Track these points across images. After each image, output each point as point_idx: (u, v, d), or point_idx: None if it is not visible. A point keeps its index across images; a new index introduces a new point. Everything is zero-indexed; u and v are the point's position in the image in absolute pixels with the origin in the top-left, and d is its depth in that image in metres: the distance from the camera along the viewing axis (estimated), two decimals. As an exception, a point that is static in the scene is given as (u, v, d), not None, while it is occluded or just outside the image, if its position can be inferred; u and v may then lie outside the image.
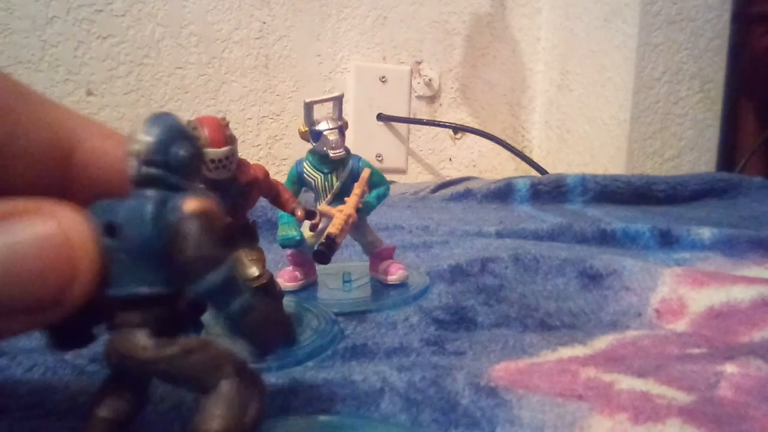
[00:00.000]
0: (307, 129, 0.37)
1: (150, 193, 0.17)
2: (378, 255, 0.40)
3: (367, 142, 0.97)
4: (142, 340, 0.16)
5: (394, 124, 1.00)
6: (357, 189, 0.37)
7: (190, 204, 0.16)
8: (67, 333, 0.17)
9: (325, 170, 0.38)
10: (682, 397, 0.23)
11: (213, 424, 0.16)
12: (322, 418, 0.23)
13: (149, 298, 0.16)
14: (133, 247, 0.16)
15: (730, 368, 0.25)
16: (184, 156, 0.17)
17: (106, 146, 0.19)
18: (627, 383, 0.24)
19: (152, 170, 0.17)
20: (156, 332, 0.16)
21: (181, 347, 0.16)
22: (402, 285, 0.39)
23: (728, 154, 1.02)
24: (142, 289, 0.16)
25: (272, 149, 0.94)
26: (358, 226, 0.38)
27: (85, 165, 0.19)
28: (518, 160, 1.00)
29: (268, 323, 0.17)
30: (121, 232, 0.16)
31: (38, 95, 0.19)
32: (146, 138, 0.17)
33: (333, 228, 0.35)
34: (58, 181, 0.18)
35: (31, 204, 0.15)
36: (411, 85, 1.01)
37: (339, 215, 0.36)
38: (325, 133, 0.37)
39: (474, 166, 1.08)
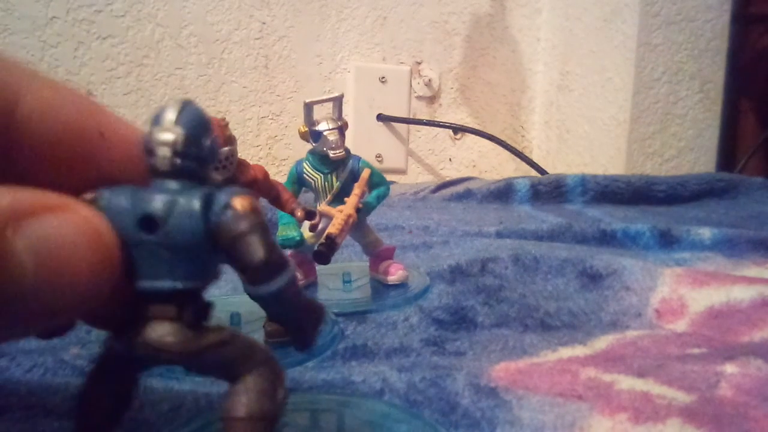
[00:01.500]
0: (307, 129, 0.37)
1: (178, 185, 0.16)
2: (378, 255, 0.40)
3: (366, 143, 0.97)
4: (178, 332, 0.16)
5: (394, 124, 1.00)
6: (357, 189, 0.37)
7: (242, 202, 0.16)
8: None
9: (325, 170, 0.38)
10: (682, 397, 0.23)
11: (245, 409, 0.16)
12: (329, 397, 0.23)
13: (184, 292, 0.16)
14: (176, 242, 0.16)
15: (730, 368, 0.25)
16: (214, 148, 0.17)
17: (54, 99, 0.18)
18: (627, 383, 0.24)
19: (187, 163, 0.16)
20: (189, 325, 0.16)
21: (216, 339, 0.16)
22: (402, 285, 0.39)
23: (728, 154, 1.02)
24: (181, 283, 0.16)
25: (272, 150, 0.94)
26: (358, 226, 0.38)
27: (29, 119, 0.17)
28: (518, 160, 1.00)
29: (316, 317, 0.18)
30: (164, 226, 0.16)
31: None
32: (182, 129, 0.16)
33: (333, 228, 0.35)
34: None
35: (59, 198, 0.15)
36: (411, 86, 1.01)
37: (339, 215, 0.36)
38: (325, 133, 0.37)
39: (474, 166, 1.08)
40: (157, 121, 0.17)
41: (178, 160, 0.16)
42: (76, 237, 0.14)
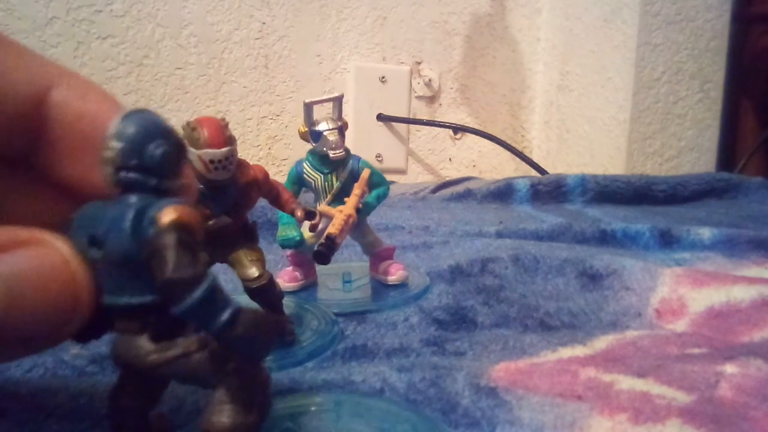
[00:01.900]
0: (306, 129, 0.37)
1: (132, 199, 0.16)
2: (378, 255, 0.40)
3: (366, 143, 0.97)
4: (143, 345, 0.16)
5: (394, 124, 1.00)
6: (357, 189, 0.37)
7: (167, 215, 0.16)
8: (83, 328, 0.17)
9: (325, 170, 0.38)
10: (682, 397, 0.23)
11: (220, 417, 0.16)
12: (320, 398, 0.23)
13: (143, 307, 0.16)
14: (116, 259, 0.16)
15: (730, 368, 0.25)
16: (160, 156, 0.16)
17: (83, 93, 0.19)
18: (627, 383, 0.24)
19: (129, 175, 0.16)
20: (155, 336, 0.16)
21: (181, 349, 0.16)
22: (402, 285, 0.39)
23: (728, 154, 1.02)
24: (133, 299, 0.16)
25: (272, 150, 0.94)
26: (358, 226, 0.38)
27: (58, 108, 0.18)
28: (518, 160, 1.00)
29: (256, 332, 0.16)
30: (104, 244, 0.16)
31: (11, 40, 0.18)
32: (118, 144, 0.16)
33: (333, 228, 0.35)
34: (30, 126, 0.18)
35: (25, 232, 0.15)
36: (411, 86, 1.01)
37: (339, 215, 0.36)
38: (325, 133, 0.37)
39: (474, 166, 1.08)
40: (102, 140, 0.17)
41: (122, 174, 0.16)
42: (45, 270, 0.15)
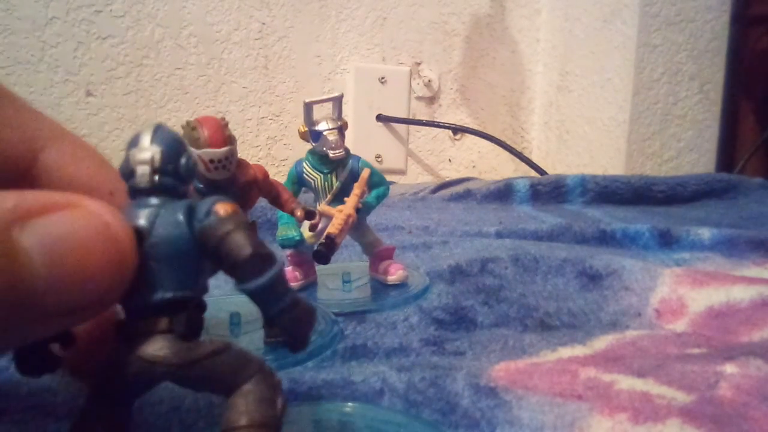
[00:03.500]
0: (306, 129, 0.37)
1: (159, 201, 0.17)
2: (378, 255, 0.40)
3: (366, 143, 0.97)
4: (171, 345, 0.16)
5: (394, 124, 1.00)
6: (357, 189, 0.37)
7: (224, 207, 0.17)
8: (30, 356, 0.17)
9: (325, 170, 0.38)
10: (681, 397, 0.23)
11: (247, 419, 0.16)
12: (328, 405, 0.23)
13: (175, 303, 0.16)
14: (164, 252, 0.16)
15: (730, 368, 0.25)
16: (192, 166, 0.18)
17: (73, 154, 0.19)
18: (627, 383, 0.24)
19: (165, 179, 0.17)
20: (185, 335, 0.16)
21: (210, 349, 0.16)
22: (402, 285, 0.39)
23: (727, 154, 1.02)
24: (171, 293, 0.16)
25: (272, 150, 0.94)
26: (357, 226, 0.38)
27: (49, 169, 0.18)
28: (518, 161, 1.00)
29: (308, 318, 0.17)
30: (151, 237, 0.16)
31: (9, 92, 0.18)
32: (158, 148, 0.17)
33: (333, 228, 0.35)
34: (20, 186, 0.17)
35: (65, 196, 0.15)
36: (410, 86, 1.01)
37: (339, 215, 0.36)
38: (324, 133, 0.37)
39: (473, 166, 1.08)
40: (134, 143, 0.17)
41: (157, 177, 0.17)
42: (87, 232, 0.14)
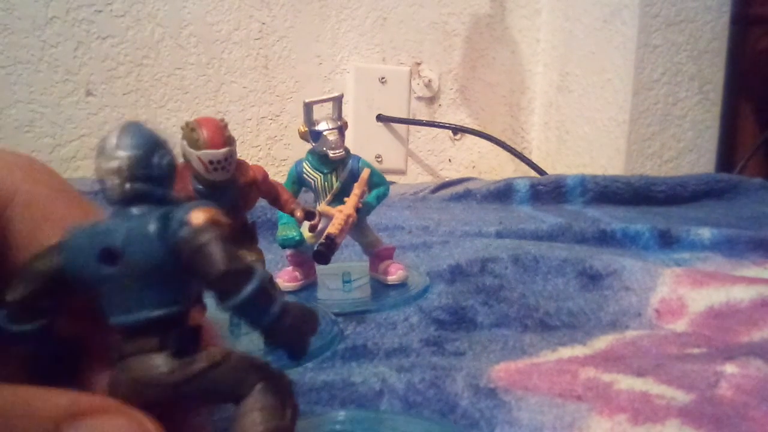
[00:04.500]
0: (306, 129, 0.37)
1: (136, 210, 0.16)
2: (378, 255, 0.40)
3: (366, 143, 0.97)
4: (165, 363, 0.15)
5: (394, 125, 1.00)
6: (357, 189, 0.37)
7: (199, 216, 0.15)
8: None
9: (325, 170, 0.38)
10: (681, 397, 0.23)
11: (254, 426, 0.15)
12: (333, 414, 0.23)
13: (163, 320, 0.16)
14: (140, 270, 0.15)
15: (730, 368, 0.25)
16: (166, 165, 0.16)
17: (45, 198, 0.18)
18: (626, 383, 0.24)
19: (138, 186, 0.16)
20: (177, 352, 0.16)
21: (207, 361, 0.16)
22: (402, 285, 0.39)
23: (727, 155, 1.02)
24: (156, 311, 0.16)
25: (271, 150, 0.94)
26: (357, 226, 0.38)
27: (20, 217, 0.18)
28: (517, 161, 1.00)
29: (302, 324, 0.16)
30: (124, 256, 0.15)
31: None
32: (125, 153, 0.16)
33: (333, 228, 0.35)
34: None
35: (116, 404, 0.15)
36: (410, 86, 1.01)
37: (339, 215, 0.36)
38: (324, 133, 0.37)
39: (473, 167, 1.08)
40: (101, 151, 0.16)
41: (128, 185, 0.16)
42: None
